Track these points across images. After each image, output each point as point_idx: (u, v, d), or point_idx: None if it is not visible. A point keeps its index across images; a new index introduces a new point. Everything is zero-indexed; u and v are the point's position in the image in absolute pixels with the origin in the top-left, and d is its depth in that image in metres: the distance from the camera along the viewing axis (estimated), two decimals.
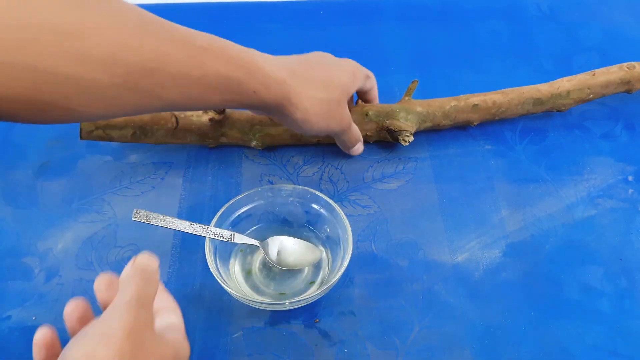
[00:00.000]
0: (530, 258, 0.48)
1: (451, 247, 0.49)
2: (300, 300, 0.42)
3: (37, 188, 0.53)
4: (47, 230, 0.50)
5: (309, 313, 0.45)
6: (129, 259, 0.48)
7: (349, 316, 0.45)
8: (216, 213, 0.45)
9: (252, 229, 0.48)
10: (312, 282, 0.46)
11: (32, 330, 0.43)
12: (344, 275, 0.46)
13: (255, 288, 0.46)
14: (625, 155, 0.56)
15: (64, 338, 0.43)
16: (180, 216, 0.50)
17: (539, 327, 0.44)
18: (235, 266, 0.47)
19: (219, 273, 0.42)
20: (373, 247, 0.49)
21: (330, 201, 0.46)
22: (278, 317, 0.44)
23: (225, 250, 0.46)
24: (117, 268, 0.47)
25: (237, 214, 0.47)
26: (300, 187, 0.47)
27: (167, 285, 0.46)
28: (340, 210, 0.45)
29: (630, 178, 0.54)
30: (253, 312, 0.44)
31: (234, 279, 0.46)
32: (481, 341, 0.43)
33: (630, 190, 0.53)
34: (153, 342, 0.30)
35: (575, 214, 0.51)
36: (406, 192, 0.53)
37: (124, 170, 0.54)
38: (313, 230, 0.49)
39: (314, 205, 0.47)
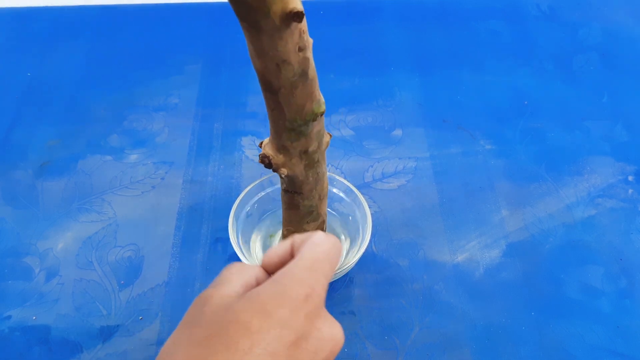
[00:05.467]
0: (530, 258, 0.48)
1: (451, 247, 0.49)
2: None
3: (37, 188, 0.53)
4: (47, 230, 0.50)
5: None
6: (129, 259, 0.49)
7: (349, 316, 0.45)
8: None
9: (271, 210, 0.48)
10: None
11: (32, 330, 0.44)
12: (344, 275, 0.46)
13: None
14: (625, 155, 0.56)
15: (64, 337, 0.43)
16: (180, 216, 0.50)
17: (539, 327, 0.44)
18: (257, 242, 0.47)
19: (241, 250, 0.43)
20: (373, 247, 0.49)
21: (352, 187, 0.45)
22: None
23: (247, 230, 0.46)
24: (117, 268, 0.47)
25: (260, 195, 0.47)
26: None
27: (167, 285, 0.46)
28: (361, 195, 0.45)
29: (630, 178, 0.54)
30: None
31: (253, 257, 0.46)
32: (481, 341, 0.43)
33: (630, 190, 0.53)
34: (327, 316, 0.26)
35: (575, 214, 0.51)
36: (406, 192, 0.53)
37: (124, 170, 0.54)
38: (335, 215, 0.48)
39: (335, 190, 0.47)
